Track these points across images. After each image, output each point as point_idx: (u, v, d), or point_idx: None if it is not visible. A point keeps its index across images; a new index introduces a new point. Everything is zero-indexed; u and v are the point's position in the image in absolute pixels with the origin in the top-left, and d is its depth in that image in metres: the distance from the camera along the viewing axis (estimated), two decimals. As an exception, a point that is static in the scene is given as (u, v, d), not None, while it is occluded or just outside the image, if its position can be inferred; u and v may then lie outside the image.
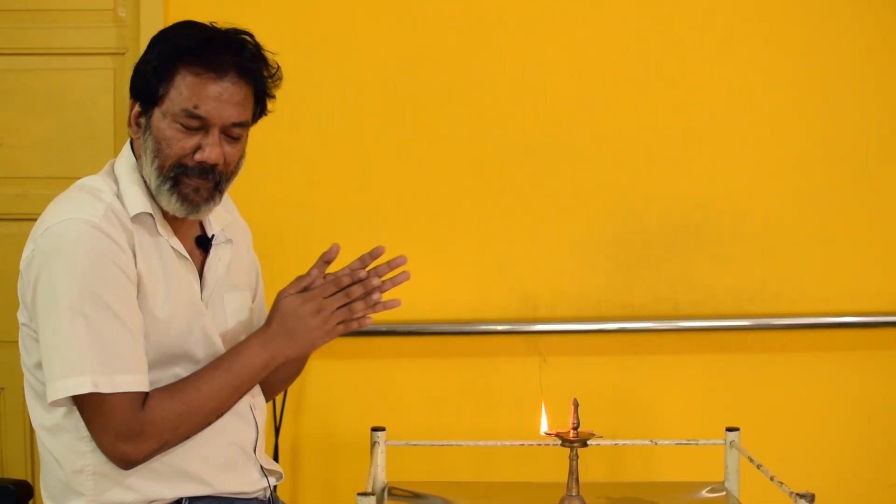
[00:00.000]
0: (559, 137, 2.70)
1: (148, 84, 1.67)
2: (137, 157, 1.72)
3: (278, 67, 1.75)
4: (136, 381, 1.61)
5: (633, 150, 2.71)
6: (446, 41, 2.68)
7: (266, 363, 1.73)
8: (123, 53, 2.69)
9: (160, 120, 1.67)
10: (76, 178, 2.74)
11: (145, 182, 1.71)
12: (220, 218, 1.85)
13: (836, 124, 2.72)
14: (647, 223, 2.72)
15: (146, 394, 1.63)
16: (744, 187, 2.72)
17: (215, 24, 1.73)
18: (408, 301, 2.72)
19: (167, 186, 1.68)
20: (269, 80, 1.74)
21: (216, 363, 1.72)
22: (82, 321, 1.57)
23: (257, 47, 1.73)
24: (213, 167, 1.69)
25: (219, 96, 1.66)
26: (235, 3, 2.60)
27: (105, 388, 1.57)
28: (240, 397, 1.75)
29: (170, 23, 2.73)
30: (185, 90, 1.65)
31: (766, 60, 2.71)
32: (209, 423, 1.70)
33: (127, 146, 1.76)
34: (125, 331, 1.60)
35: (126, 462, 1.62)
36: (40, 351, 1.63)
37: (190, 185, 1.69)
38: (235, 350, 1.74)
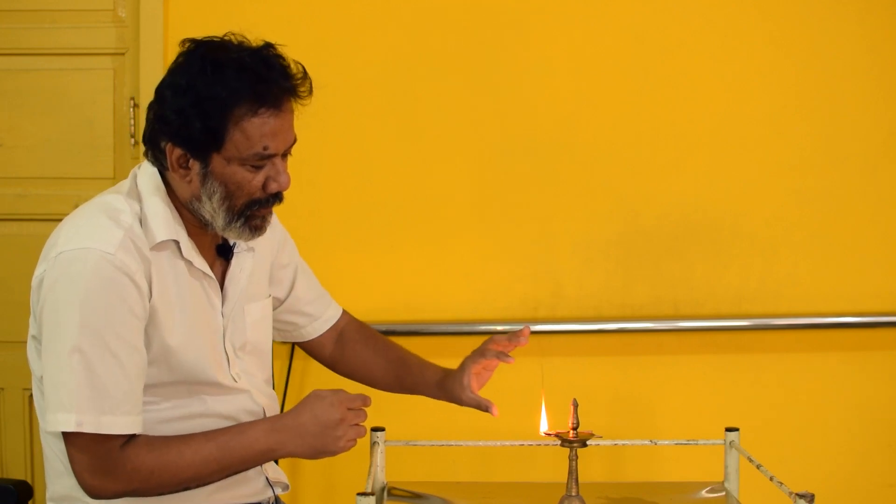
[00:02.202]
0: (559, 137, 2.70)
1: (199, 134, 1.60)
2: (165, 181, 1.67)
3: (305, 70, 1.67)
4: (122, 423, 1.58)
5: (633, 150, 2.70)
6: (446, 41, 2.68)
7: (265, 451, 1.66)
8: (123, 53, 2.68)
9: (224, 166, 1.62)
10: (76, 179, 2.74)
11: (171, 205, 1.67)
12: None
13: (837, 124, 2.72)
14: (647, 223, 2.72)
15: (132, 435, 1.60)
16: (744, 187, 2.72)
17: (234, 37, 1.65)
18: (408, 301, 2.74)
19: (239, 223, 1.66)
20: (303, 88, 1.66)
21: (213, 434, 1.65)
22: (78, 357, 1.55)
23: (286, 63, 1.64)
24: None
25: (280, 128, 1.63)
26: (235, 4, 2.59)
27: (89, 429, 1.55)
28: (226, 476, 1.65)
29: (170, 23, 2.74)
30: (251, 133, 1.60)
31: (766, 60, 2.70)
32: (186, 489, 1.64)
33: (150, 165, 1.68)
34: (120, 371, 1.57)
35: (92, 494, 1.60)
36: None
37: (260, 215, 1.68)
38: (239, 427, 1.68)
